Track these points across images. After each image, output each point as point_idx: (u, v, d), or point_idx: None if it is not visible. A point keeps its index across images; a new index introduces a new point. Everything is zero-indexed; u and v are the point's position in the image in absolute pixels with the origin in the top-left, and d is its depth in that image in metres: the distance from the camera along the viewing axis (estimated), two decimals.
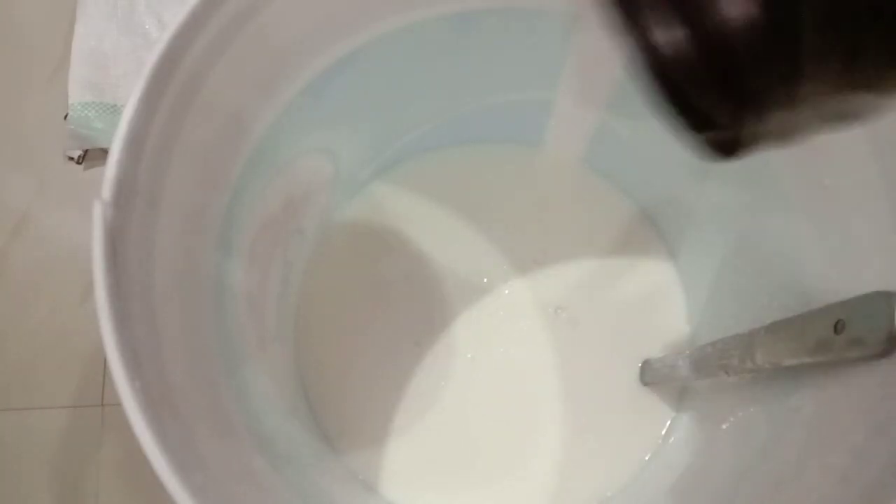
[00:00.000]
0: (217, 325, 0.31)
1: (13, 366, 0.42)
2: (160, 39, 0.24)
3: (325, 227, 0.41)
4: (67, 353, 0.42)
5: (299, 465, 0.35)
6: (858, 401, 0.27)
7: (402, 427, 0.38)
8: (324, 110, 0.34)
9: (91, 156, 0.45)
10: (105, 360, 0.41)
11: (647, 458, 0.37)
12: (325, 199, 0.40)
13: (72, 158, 0.45)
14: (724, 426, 0.36)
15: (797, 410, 0.30)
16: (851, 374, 0.28)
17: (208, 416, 0.27)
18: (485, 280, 0.40)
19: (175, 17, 0.24)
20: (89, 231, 0.22)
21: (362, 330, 0.40)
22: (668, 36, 0.14)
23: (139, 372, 0.21)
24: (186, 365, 0.26)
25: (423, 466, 0.37)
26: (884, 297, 0.23)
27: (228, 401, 0.30)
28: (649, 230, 0.41)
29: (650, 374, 0.38)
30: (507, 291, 0.40)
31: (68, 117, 0.44)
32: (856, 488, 0.25)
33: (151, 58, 0.24)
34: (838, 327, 0.25)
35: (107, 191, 0.22)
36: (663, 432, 0.38)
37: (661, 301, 0.40)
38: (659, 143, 0.38)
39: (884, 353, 0.23)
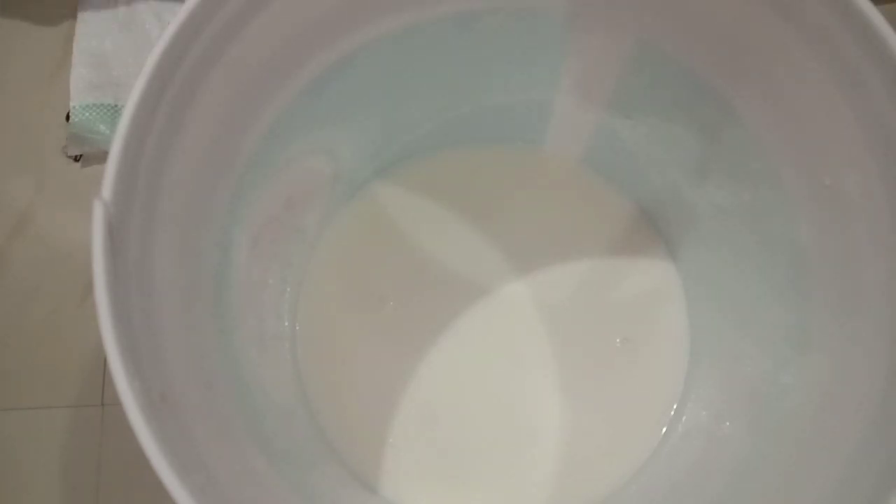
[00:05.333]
0: (217, 324, 0.31)
1: (13, 366, 0.42)
2: (160, 39, 0.24)
3: (326, 227, 0.41)
4: (67, 353, 0.42)
5: (299, 465, 0.35)
6: (860, 394, 0.27)
7: (403, 427, 0.38)
8: (324, 110, 0.34)
9: (90, 153, 0.45)
10: (105, 360, 0.41)
11: (648, 457, 0.36)
12: (325, 198, 0.40)
13: (69, 156, 0.45)
14: (726, 423, 0.36)
15: (799, 404, 0.30)
16: (851, 363, 0.28)
17: (208, 416, 0.27)
18: (485, 280, 0.40)
19: (176, 16, 0.24)
20: (89, 231, 0.21)
21: (362, 330, 0.40)
22: None
23: (139, 372, 0.21)
24: (186, 365, 0.26)
25: (422, 467, 0.37)
26: None
27: (228, 401, 0.30)
28: (649, 229, 0.41)
29: None
30: (507, 291, 0.40)
31: (70, 120, 0.44)
32: (858, 486, 0.25)
33: (151, 57, 0.24)
34: None
35: (107, 190, 0.22)
36: (664, 431, 0.38)
37: (661, 300, 0.40)
38: (658, 144, 0.38)
39: None
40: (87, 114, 0.44)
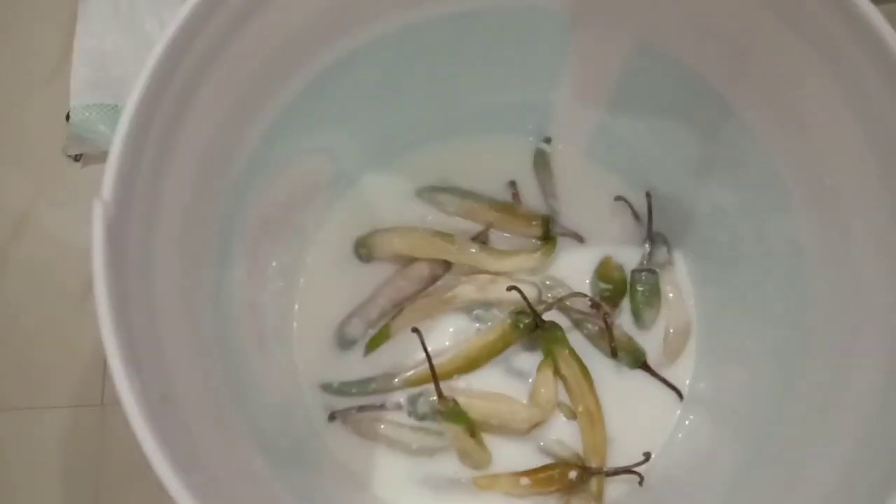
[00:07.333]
0: (217, 324, 0.31)
1: (13, 366, 0.42)
2: (160, 39, 0.24)
3: (326, 226, 0.41)
4: (67, 353, 0.42)
5: (297, 465, 0.35)
6: (860, 394, 0.27)
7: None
8: (323, 110, 0.34)
9: (90, 153, 0.45)
10: (105, 360, 0.41)
11: (653, 453, 0.36)
12: (325, 197, 0.40)
13: (69, 155, 0.45)
14: (728, 421, 0.36)
15: (799, 403, 0.30)
16: (851, 363, 0.28)
17: (208, 416, 0.27)
18: (487, 276, 0.40)
19: (175, 16, 0.24)
20: (89, 231, 0.22)
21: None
22: None
23: (139, 372, 0.21)
24: (186, 365, 0.26)
25: (420, 467, 0.37)
26: None
27: (228, 401, 0.30)
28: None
29: None
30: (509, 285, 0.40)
31: (70, 120, 0.44)
32: (858, 486, 0.25)
33: (151, 58, 0.24)
34: None
35: (107, 191, 0.22)
36: (671, 426, 0.38)
37: (665, 298, 0.40)
38: (658, 143, 0.38)
39: None
40: (87, 113, 0.44)
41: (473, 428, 0.36)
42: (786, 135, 0.30)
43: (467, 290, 0.39)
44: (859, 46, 0.25)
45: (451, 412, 0.36)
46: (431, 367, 0.35)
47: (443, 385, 0.37)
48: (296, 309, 0.40)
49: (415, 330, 0.35)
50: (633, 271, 0.40)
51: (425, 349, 0.35)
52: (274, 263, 0.37)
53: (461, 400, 0.36)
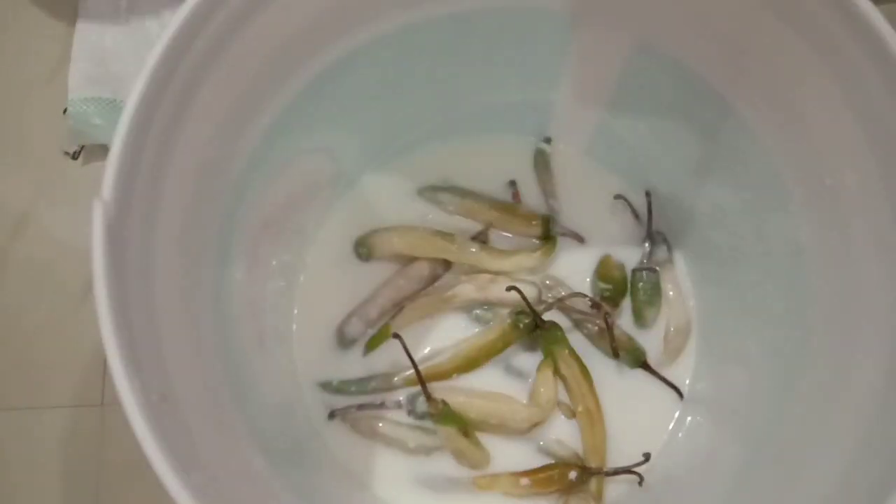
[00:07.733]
0: (217, 324, 0.31)
1: (13, 366, 0.42)
2: (160, 39, 0.24)
3: (326, 225, 0.41)
4: (67, 353, 0.42)
5: (297, 464, 0.35)
6: (860, 394, 0.27)
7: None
8: (324, 110, 0.34)
9: (89, 151, 0.45)
10: (105, 360, 0.41)
11: (653, 453, 0.36)
12: (325, 198, 0.40)
13: (67, 153, 0.45)
14: (728, 421, 0.36)
15: (799, 403, 0.31)
16: (851, 363, 0.28)
17: (208, 416, 0.27)
18: (487, 275, 0.40)
19: (175, 16, 0.24)
20: (89, 231, 0.22)
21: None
22: None
23: (139, 372, 0.21)
24: (186, 365, 0.26)
25: (419, 466, 0.37)
26: None
27: (228, 401, 0.30)
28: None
29: None
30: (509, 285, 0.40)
31: (67, 112, 0.44)
32: (858, 486, 0.25)
33: (151, 58, 0.24)
34: None
35: (107, 190, 0.22)
36: (671, 425, 0.38)
37: (665, 299, 0.40)
38: (658, 143, 0.38)
39: None
40: (85, 106, 0.44)
41: (467, 428, 0.36)
42: (786, 135, 0.30)
43: (467, 289, 0.39)
44: (859, 46, 0.25)
45: (441, 414, 0.36)
46: (417, 370, 0.35)
47: (443, 384, 0.37)
48: (296, 308, 0.40)
49: (396, 336, 0.35)
50: (634, 270, 0.40)
51: (409, 354, 0.35)
52: (274, 263, 0.37)
53: (461, 399, 0.37)
